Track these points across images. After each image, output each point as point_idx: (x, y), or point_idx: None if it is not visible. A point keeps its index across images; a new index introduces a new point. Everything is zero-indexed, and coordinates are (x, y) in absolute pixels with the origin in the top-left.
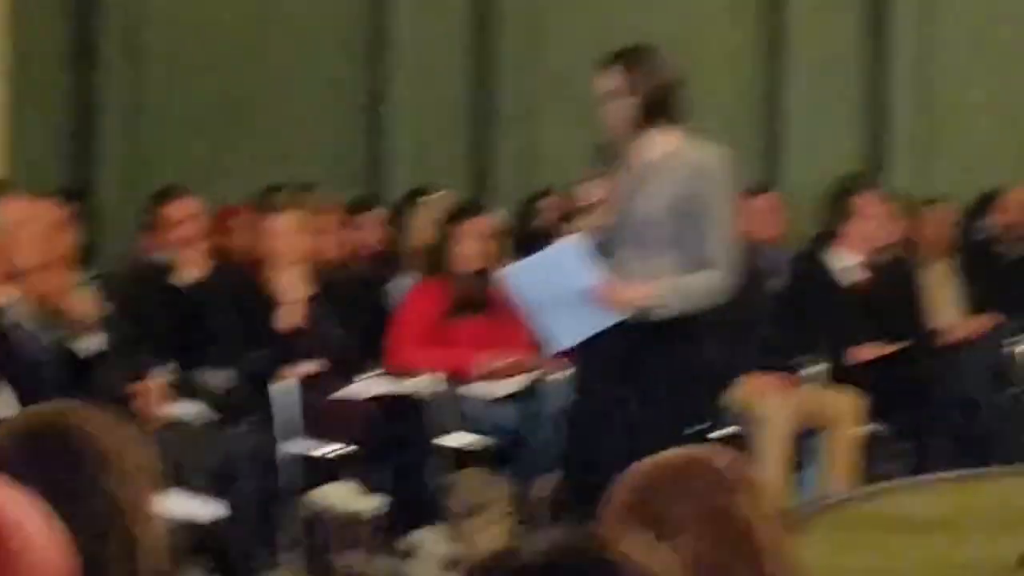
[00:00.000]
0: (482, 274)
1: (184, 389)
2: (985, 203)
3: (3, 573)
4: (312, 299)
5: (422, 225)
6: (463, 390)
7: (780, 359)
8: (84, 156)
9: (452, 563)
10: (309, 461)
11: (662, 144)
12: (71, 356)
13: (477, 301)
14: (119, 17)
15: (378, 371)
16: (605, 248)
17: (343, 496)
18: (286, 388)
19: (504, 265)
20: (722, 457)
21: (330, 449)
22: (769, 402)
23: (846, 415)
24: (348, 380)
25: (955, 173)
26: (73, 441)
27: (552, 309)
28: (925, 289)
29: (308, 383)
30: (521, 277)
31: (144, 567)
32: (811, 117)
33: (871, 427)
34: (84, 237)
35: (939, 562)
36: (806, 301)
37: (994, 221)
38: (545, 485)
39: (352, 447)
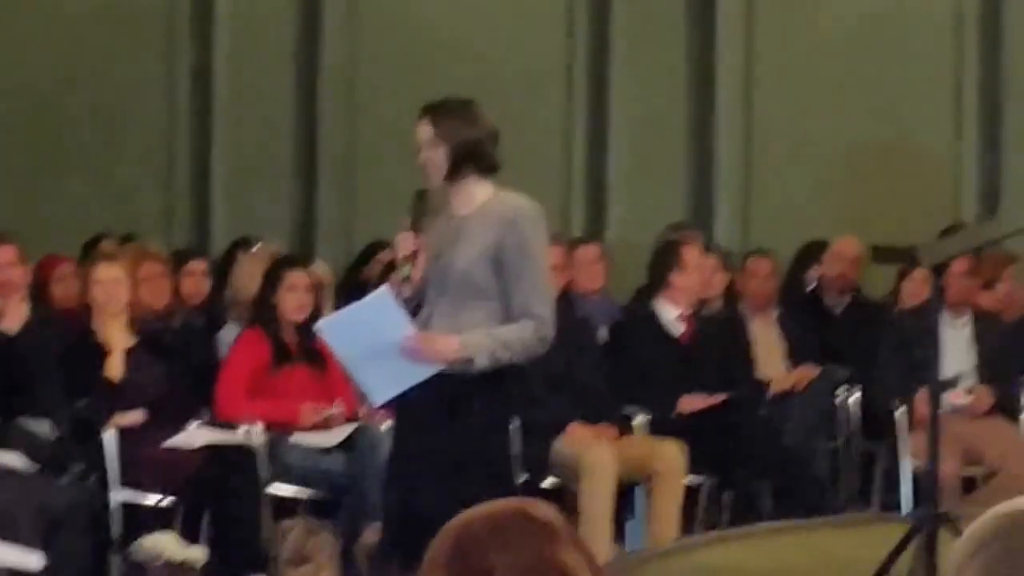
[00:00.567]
0: (307, 324)
1: (5, 439)
2: (810, 255)
3: None
4: (135, 349)
5: (247, 275)
6: (289, 440)
7: (605, 409)
8: None
9: None
10: (132, 511)
11: (477, 196)
12: None
13: (302, 351)
14: None
15: (204, 420)
16: (422, 299)
17: (167, 546)
18: (108, 438)
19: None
20: (542, 508)
21: (153, 499)
22: (594, 452)
23: (671, 466)
24: (172, 430)
25: (776, 226)
26: None
27: (367, 363)
28: (750, 340)
29: (130, 433)
30: (335, 330)
31: None
32: (636, 169)
33: (696, 478)
34: None
35: None
36: (632, 351)
37: (819, 272)
38: (371, 535)
39: (176, 497)
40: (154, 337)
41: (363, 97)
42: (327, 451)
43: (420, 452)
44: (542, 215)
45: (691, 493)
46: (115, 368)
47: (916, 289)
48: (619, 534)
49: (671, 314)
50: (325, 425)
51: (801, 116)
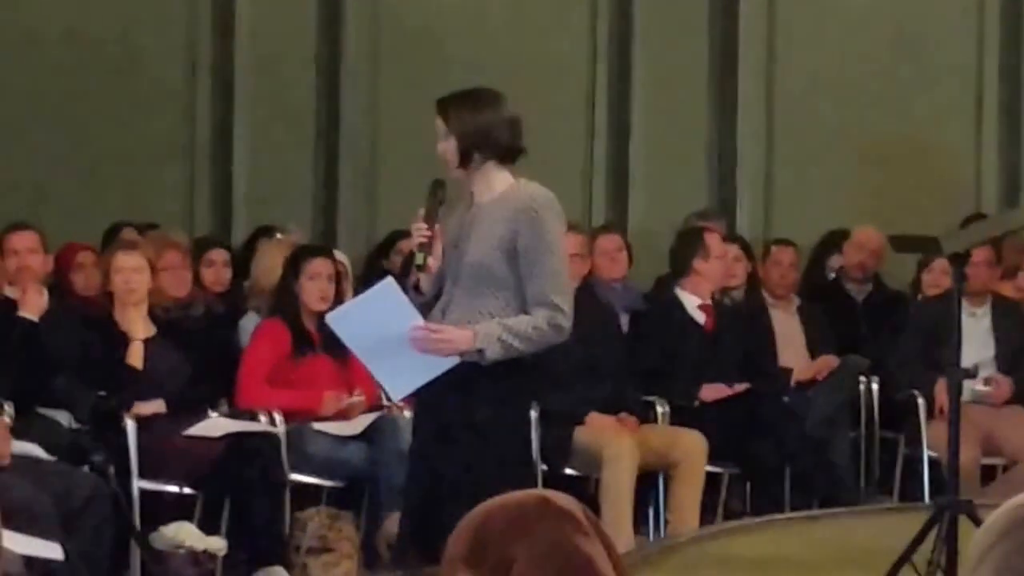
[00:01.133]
0: (327, 313)
1: (24, 429)
2: (832, 244)
3: None
4: (155, 338)
5: (268, 264)
6: (310, 429)
7: (627, 398)
8: None
9: None
10: (153, 500)
11: (496, 184)
12: None
13: (323, 340)
14: None
15: (225, 410)
16: (441, 288)
17: (188, 535)
18: (129, 427)
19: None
20: (563, 498)
21: (173, 488)
22: (615, 441)
23: (692, 455)
24: (192, 420)
25: (797, 216)
26: None
27: (381, 356)
28: (772, 329)
29: (150, 423)
30: (344, 322)
31: None
32: (659, 158)
33: (717, 467)
34: None
35: None
36: (654, 340)
37: (841, 261)
38: (392, 524)
39: (196, 486)
40: (175, 326)
41: (385, 87)
42: (348, 440)
43: (440, 442)
44: (557, 204)
45: (712, 482)
46: (135, 357)
47: (936, 279)
48: (640, 523)
49: (693, 303)
50: (346, 414)
51: (822, 107)
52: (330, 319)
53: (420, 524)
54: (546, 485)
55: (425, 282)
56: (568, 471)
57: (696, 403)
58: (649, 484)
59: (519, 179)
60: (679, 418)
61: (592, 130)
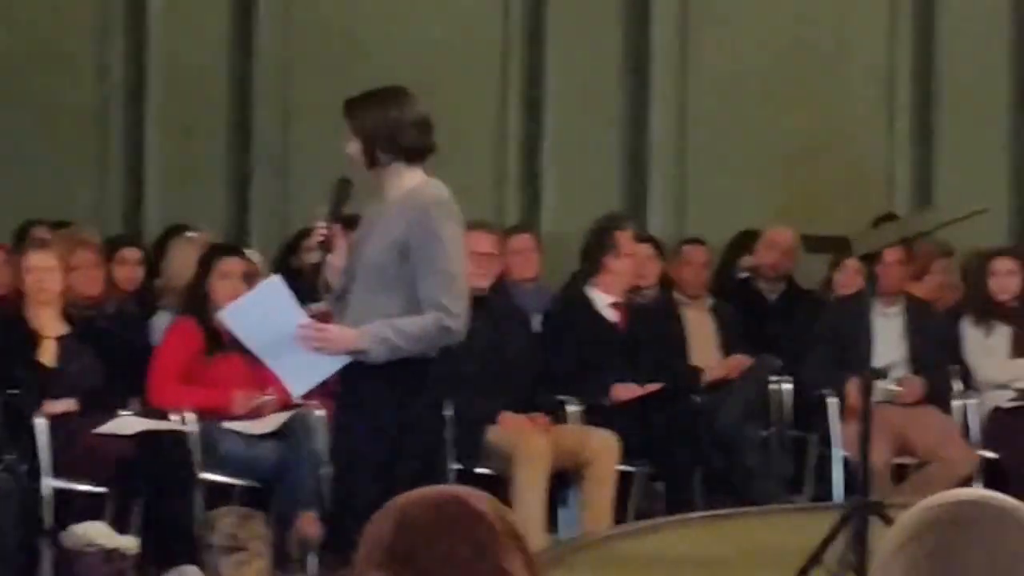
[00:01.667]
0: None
1: None
2: (744, 243)
3: None
4: (67, 337)
5: (180, 263)
6: (221, 428)
7: (539, 398)
8: None
9: None
10: (64, 499)
11: (405, 183)
12: None
13: (235, 339)
14: None
15: (137, 409)
16: (342, 289)
17: (99, 534)
18: (40, 426)
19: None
20: (479, 499)
21: (85, 487)
22: (528, 441)
23: (604, 454)
24: (104, 418)
25: (709, 216)
26: None
27: (278, 354)
28: (684, 329)
29: (62, 421)
30: (237, 318)
31: None
32: (572, 158)
33: (629, 467)
34: None
35: None
36: (566, 339)
37: (753, 261)
38: (304, 523)
39: (108, 485)
40: (87, 325)
41: (297, 86)
42: (260, 439)
43: (353, 442)
44: (454, 205)
45: (624, 481)
46: (47, 356)
47: (848, 279)
48: (553, 522)
49: (605, 301)
50: (257, 413)
51: (734, 107)
52: (223, 315)
53: (339, 525)
54: (459, 484)
55: (333, 279)
56: (481, 470)
57: (608, 403)
58: (562, 483)
59: (428, 179)
60: (591, 418)
61: (505, 130)
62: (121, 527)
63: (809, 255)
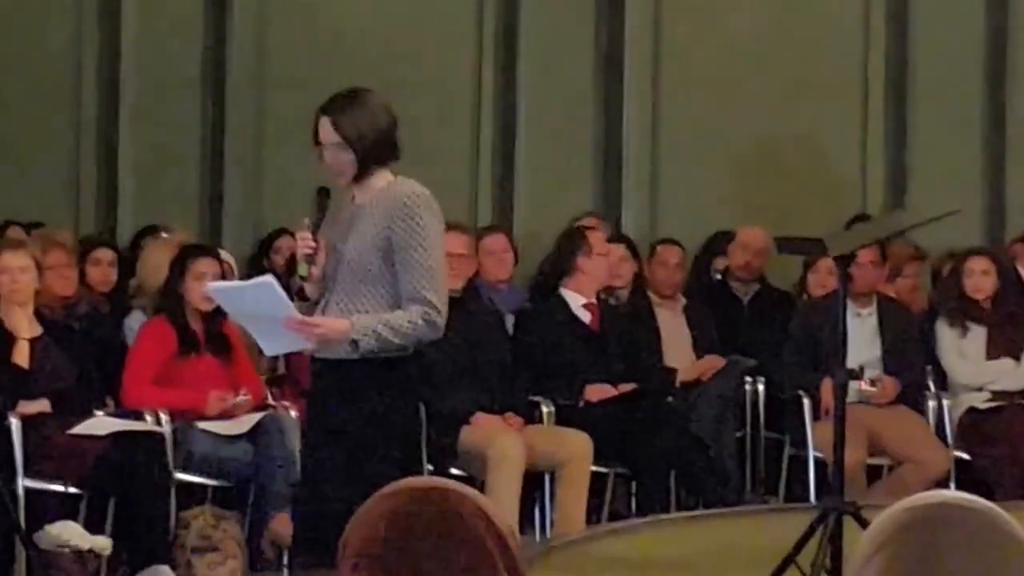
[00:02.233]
0: (213, 313)
1: None
2: (717, 244)
3: None
4: (41, 337)
5: (154, 263)
6: (195, 428)
7: (512, 399)
8: None
9: None
10: (38, 499)
11: (375, 184)
12: None
13: (209, 340)
14: None
15: (110, 409)
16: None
17: (73, 534)
18: (14, 427)
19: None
20: (462, 490)
21: (58, 487)
22: (501, 442)
23: (577, 455)
24: (77, 419)
25: (683, 217)
26: None
27: (258, 323)
28: (657, 329)
29: (35, 422)
30: (223, 294)
31: None
32: (545, 159)
33: (603, 467)
34: None
35: None
36: (539, 340)
37: (726, 262)
38: (277, 524)
39: (82, 486)
40: (60, 325)
41: (270, 88)
42: (233, 439)
43: (327, 442)
44: (434, 202)
45: (597, 482)
46: (21, 356)
47: (821, 279)
48: (526, 523)
49: (577, 302)
50: (231, 414)
51: (709, 108)
52: (210, 288)
53: (311, 524)
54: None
55: (310, 289)
56: (454, 471)
57: (581, 403)
58: (535, 484)
59: (398, 177)
60: (564, 418)
61: (478, 131)
62: (95, 527)
63: (782, 256)
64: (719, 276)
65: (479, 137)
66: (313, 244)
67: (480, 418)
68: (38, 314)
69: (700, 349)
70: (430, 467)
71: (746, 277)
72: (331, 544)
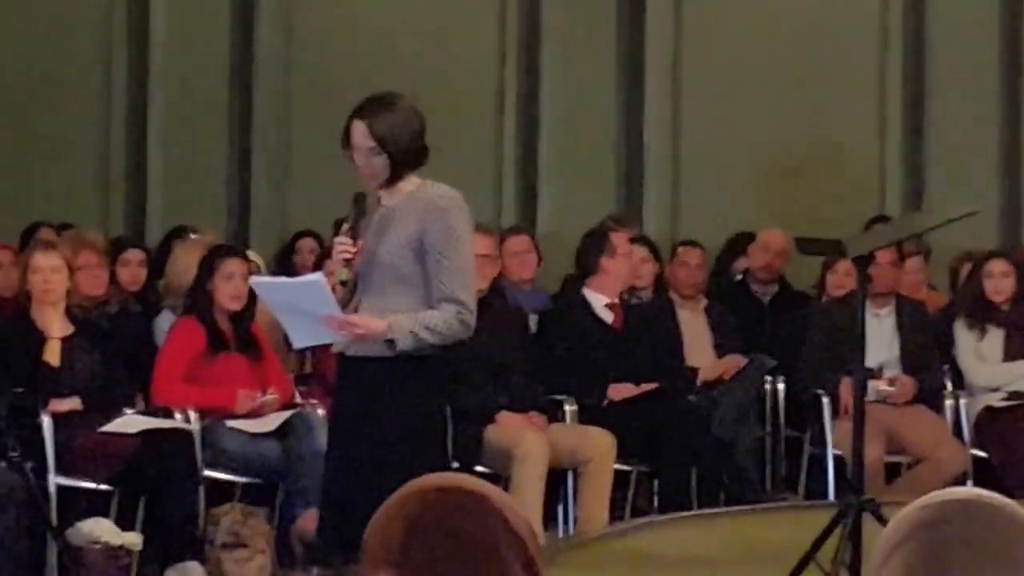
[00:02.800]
0: (242, 313)
1: None
2: (738, 245)
3: None
4: (72, 337)
5: (183, 264)
6: (224, 426)
7: (536, 397)
8: None
9: None
10: (69, 496)
11: (405, 187)
12: None
13: (237, 339)
14: None
15: (141, 407)
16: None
17: (104, 531)
18: (45, 424)
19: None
20: (484, 488)
21: (89, 484)
22: (525, 439)
23: (600, 453)
24: (108, 417)
25: (704, 218)
26: None
27: (294, 315)
28: (679, 329)
29: (66, 420)
30: (265, 288)
31: None
32: (568, 161)
33: (625, 465)
34: None
35: None
36: (562, 340)
37: (747, 263)
38: (305, 520)
39: (112, 483)
40: (91, 325)
41: (297, 89)
42: (261, 437)
43: (354, 439)
44: (464, 204)
45: (620, 480)
46: (52, 355)
47: (840, 280)
48: (550, 520)
49: (600, 302)
50: (260, 412)
51: (729, 111)
52: (253, 282)
53: (338, 522)
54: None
55: (340, 291)
56: (479, 468)
57: (604, 402)
58: (559, 481)
59: (425, 180)
60: (588, 417)
61: (501, 133)
62: (125, 524)
63: (802, 257)
64: (740, 277)
65: (502, 141)
66: (353, 249)
67: (505, 416)
68: (69, 314)
69: (721, 349)
70: (456, 464)
71: (766, 278)
72: (356, 540)
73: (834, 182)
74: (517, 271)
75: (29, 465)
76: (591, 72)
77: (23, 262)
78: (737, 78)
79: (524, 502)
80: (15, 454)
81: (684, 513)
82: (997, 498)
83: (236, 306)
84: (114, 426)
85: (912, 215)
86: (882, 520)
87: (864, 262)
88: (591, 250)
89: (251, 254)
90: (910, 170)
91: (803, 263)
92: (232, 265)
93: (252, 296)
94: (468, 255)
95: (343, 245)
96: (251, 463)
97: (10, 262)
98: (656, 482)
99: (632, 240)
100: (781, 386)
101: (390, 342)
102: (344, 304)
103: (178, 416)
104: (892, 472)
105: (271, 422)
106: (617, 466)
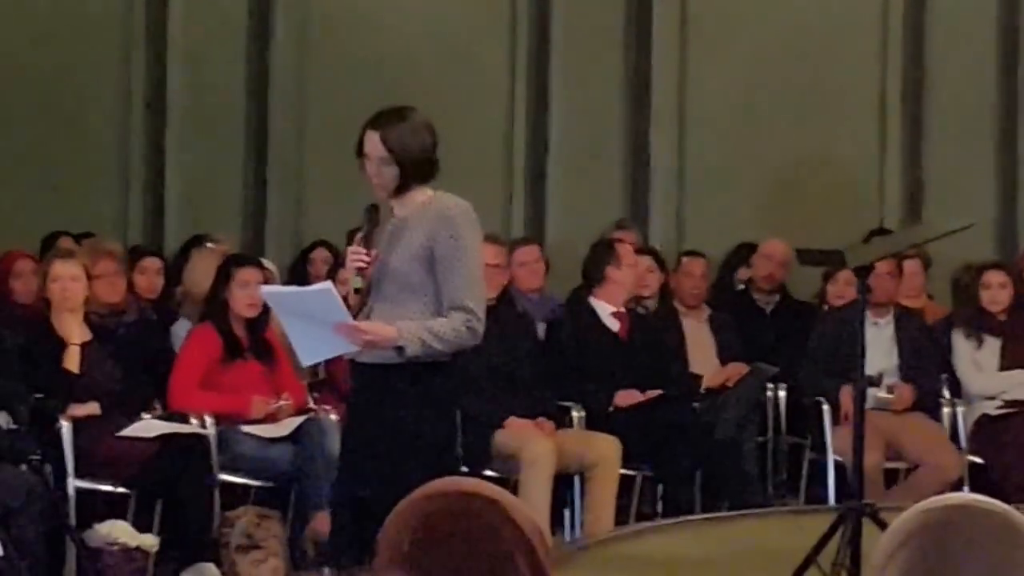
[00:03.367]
0: (257, 320)
1: None
2: (741, 256)
3: None
4: (90, 343)
5: (200, 272)
6: (239, 431)
7: (544, 403)
8: None
9: None
10: (88, 499)
11: (417, 198)
12: None
13: (253, 346)
14: None
15: (157, 412)
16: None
17: (122, 533)
18: (65, 428)
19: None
20: (494, 493)
21: (107, 487)
22: (533, 445)
23: (606, 458)
24: (126, 421)
25: (708, 229)
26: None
27: (302, 327)
28: (683, 338)
29: (85, 424)
30: (276, 298)
31: None
32: (576, 173)
33: (631, 470)
34: None
35: None
36: (570, 347)
37: (749, 273)
38: (318, 523)
39: (130, 486)
40: (109, 332)
41: (312, 100)
42: (276, 442)
43: (366, 443)
44: (474, 214)
45: (626, 484)
46: (72, 361)
47: (840, 290)
48: (557, 523)
49: (607, 311)
50: (273, 417)
51: (733, 126)
52: (264, 291)
53: (350, 524)
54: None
55: (355, 303)
56: (488, 472)
57: (611, 408)
58: (566, 486)
59: (436, 191)
60: (594, 423)
61: (511, 145)
62: (142, 526)
63: (803, 267)
64: (742, 287)
65: (512, 153)
66: (367, 258)
67: (513, 422)
68: (88, 321)
69: (724, 357)
70: (465, 469)
71: (768, 288)
72: (367, 542)
73: (834, 195)
74: (526, 280)
75: (49, 468)
76: (599, 88)
77: (43, 270)
78: (741, 95)
79: (532, 506)
80: (36, 458)
81: (688, 517)
82: (995, 503)
83: (252, 313)
84: (132, 431)
85: (911, 227)
86: (881, 524)
87: (864, 272)
88: (598, 260)
89: (265, 262)
90: (908, 183)
91: (804, 273)
92: (248, 273)
93: (267, 304)
94: (477, 264)
95: (357, 254)
96: (265, 467)
97: (31, 270)
98: (660, 487)
99: (638, 251)
100: (782, 393)
101: (399, 349)
102: (356, 312)
103: (194, 421)
104: (890, 478)
105: (285, 427)
106: (623, 471)
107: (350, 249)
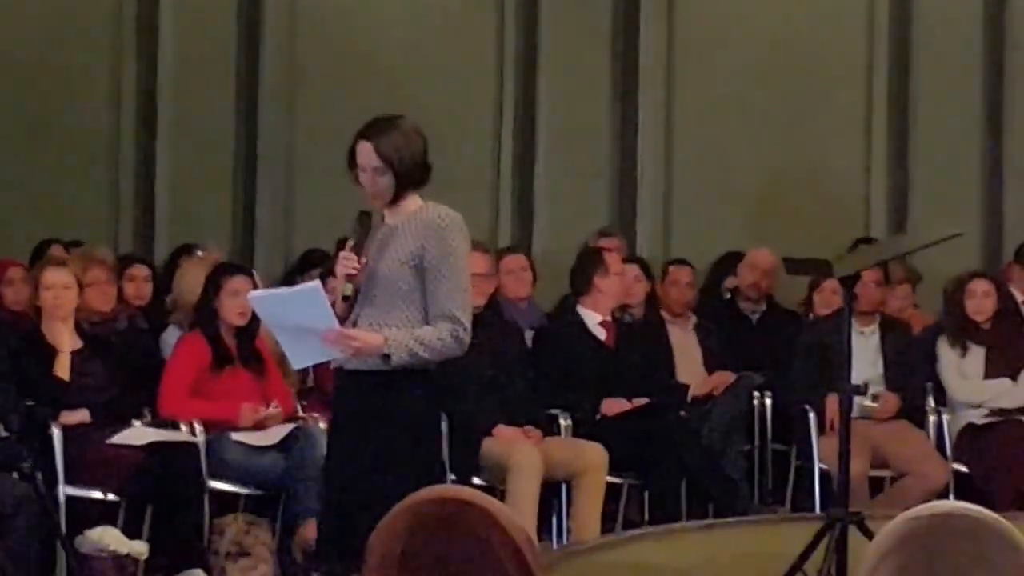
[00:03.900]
0: (246, 329)
1: None
2: (727, 264)
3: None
4: (81, 351)
5: (189, 281)
6: (228, 439)
7: (531, 412)
8: None
9: None
10: (78, 506)
11: (408, 206)
12: None
13: (242, 354)
14: None
15: (148, 420)
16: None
17: (112, 539)
18: (55, 436)
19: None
20: (484, 501)
21: (98, 494)
22: (520, 453)
23: (593, 466)
24: (116, 429)
25: (694, 238)
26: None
27: (290, 333)
28: (670, 346)
29: (76, 432)
30: (263, 303)
31: None
32: (563, 182)
33: (617, 478)
34: None
35: None
36: (557, 356)
37: (736, 282)
38: (306, 530)
39: (120, 493)
40: (100, 339)
41: (301, 109)
42: (265, 450)
43: (352, 451)
44: (464, 224)
45: (612, 492)
46: (63, 369)
47: (826, 299)
48: (544, 530)
49: (594, 319)
50: (263, 425)
51: (719, 135)
52: (251, 297)
53: (337, 532)
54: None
55: (340, 306)
56: (476, 480)
57: (598, 416)
58: (553, 493)
59: (428, 202)
60: (581, 431)
61: (498, 153)
62: (132, 533)
63: (789, 276)
64: (729, 295)
65: (499, 162)
66: (357, 265)
67: (501, 430)
68: (78, 329)
69: (711, 365)
70: (453, 476)
71: (754, 296)
72: (354, 549)
73: (821, 205)
74: (513, 289)
75: (40, 476)
76: (586, 96)
77: (34, 278)
78: (728, 104)
79: (519, 514)
80: (27, 465)
81: (674, 525)
82: (982, 511)
83: (241, 322)
84: (122, 438)
85: (896, 237)
86: (867, 532)
87: (850, 282)
88: (585, 269)
89: (254, 273)
90: (894, 193)
91: (790, 282)
92: (237, 282)
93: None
94: (465, 274)
95: (348, 260)
96: (254, 474)
97: (21, 278)
98: (647, 494)
99: (625, 260)
100: (768, 401)
101: (386, 357)
102: (344, 318)
103: (184, 429)
104: (876, 486)
105: (274, 435)
106: (609, 479)
107: (342, 255)
